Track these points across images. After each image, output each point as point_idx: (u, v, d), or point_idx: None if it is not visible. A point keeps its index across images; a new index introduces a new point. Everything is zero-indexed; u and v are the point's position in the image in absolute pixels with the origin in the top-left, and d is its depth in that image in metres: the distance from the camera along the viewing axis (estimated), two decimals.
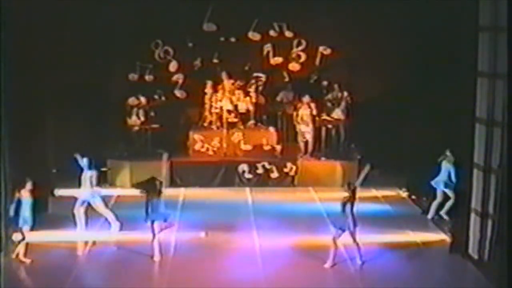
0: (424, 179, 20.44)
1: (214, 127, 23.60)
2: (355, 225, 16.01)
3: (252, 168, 22.84)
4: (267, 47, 24.31)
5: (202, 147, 23.31)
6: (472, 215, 16.35)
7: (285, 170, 22.90)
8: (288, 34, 24.20)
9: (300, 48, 24.32)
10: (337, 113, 23.52)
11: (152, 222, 16.35)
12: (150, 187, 16.51)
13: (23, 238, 16.18)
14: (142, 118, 23.41)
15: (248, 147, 23.36)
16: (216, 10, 23.61)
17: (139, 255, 16.59)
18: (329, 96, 23.81)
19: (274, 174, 22.90)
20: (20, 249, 16.25)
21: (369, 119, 23.07)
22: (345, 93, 23.54)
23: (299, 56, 24.41)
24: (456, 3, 17.09)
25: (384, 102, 23.06)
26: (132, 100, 23.41)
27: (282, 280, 15.52)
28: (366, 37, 22.95)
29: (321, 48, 24.22)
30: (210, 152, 23.29)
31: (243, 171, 22.82)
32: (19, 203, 16.13)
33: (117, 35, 23.10)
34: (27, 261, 16.20)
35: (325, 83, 24.05)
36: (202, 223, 18.68)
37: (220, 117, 23.57)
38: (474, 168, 16.32)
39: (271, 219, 19.09)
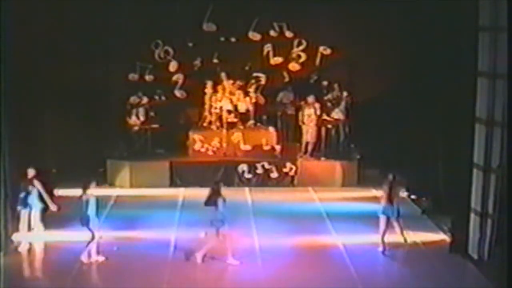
0: (424, 179, 20.48)
1: (214, 127, 23.58)
2: (398, 213, 16.81)
3: (252, 168, 22.84)
4: (267, 47, 24.30)
5: (202, 147, 23.29)
6: (472, 215, 16.35)
7: (285, 170, 22.90)
8: (288, 34, 24.20)
9: (300, 48, 24.31)
10: (337, 113, 23.51)
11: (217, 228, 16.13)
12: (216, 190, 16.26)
13: (93, 238, 16.17)
14: (142, 118, 23.40)
15: (248, 147, 23.36)
16: (216, 10, 23.62)
17: (139, 255, 16.57)
18: (329, 96, 23.80)
19: (274, 174, 22.90)
20: (91, 248, 16.24)
21: (369, 119, 23.07)
22: (345, 93, 23.54)
23: (299, 56, 24.40)
24: (456, 3, 17.10)
25: (384, 102, 23.06)
26: (133, 99, 23.41)
27: (282, 280, 15.51)
28: (366, 37, 22.98)
29: (321, 48, 24.21)
30: (210, 152, 23.28)
31: (243, 171, 22.82)
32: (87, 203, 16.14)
33: (117, 35, 23.10)
34: (101, 259, 16.23)
35: (325, 83, 24.04)
36: (202, 223, 18.66)
37: (220, 117, 23.55)
38: (474, 168, 16.32)
39: (271, 219, 19.08)
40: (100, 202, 20.34)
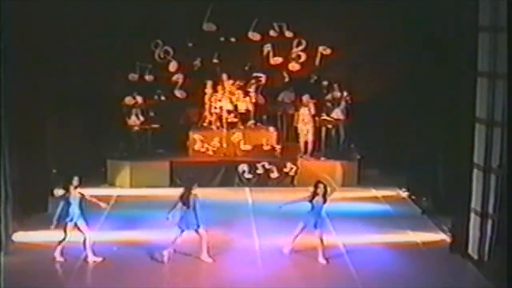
0: (424, 179, 20.48)
1: (214, 127, 23.59)
2: None
3: (252, 168, 22.84)
4: (267, 47, 24.30)
5: (202, 147, 23.31)
6: (472, 215, 16.35)
7: (285, 170, 22.90)
8: (288, 34, 24.20)
9: (300, 48, 24.31)
10: (337, 113, 23.52)
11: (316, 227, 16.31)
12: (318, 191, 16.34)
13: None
14: (142, 118, 23.41)
15: (248, 147, 23.36)
16: (216, 10, 23.61)
17: (139, 255, 16.57)
18: (329, 96, 23.81)
19: (274, 174, 22.90)
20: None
21: (369, 119, 23.08)
22: (345, 93, 23.55)
23: (299, 56, 24.40)
24: (456, 3, 17.09)
25: (384, 102, 23.07)
26: (128, 100, 23.40)
27: (282, 280, 15.52)
28: (366, 37, 22.97)
29: (321, 48, 24.22)
30: (210, 152, 23.29)
31: (243, 171, 22.82)
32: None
33: (117, 35, 23.10)
34: (61, 259, 16.23)
35: (325, 83, 24.04)
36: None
37: (220, 117, 23.57)
38: (474, 168, 16.32)
39: (271, 219, 19.06)
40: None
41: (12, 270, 15.60)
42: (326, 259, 16.19)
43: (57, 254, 16.26)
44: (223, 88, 23.69)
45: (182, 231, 16.16)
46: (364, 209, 20.30)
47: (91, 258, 16.18)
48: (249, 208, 20.54)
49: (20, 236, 17.58)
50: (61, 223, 16.18)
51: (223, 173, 22.81)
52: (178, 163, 22.90)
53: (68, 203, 16.11)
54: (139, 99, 23.43)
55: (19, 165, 17.93)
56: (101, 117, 23.39)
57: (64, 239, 16.21)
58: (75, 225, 16.18)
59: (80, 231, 16.23)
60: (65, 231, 16.16)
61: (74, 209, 16.13)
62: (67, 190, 16.26)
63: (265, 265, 16.10)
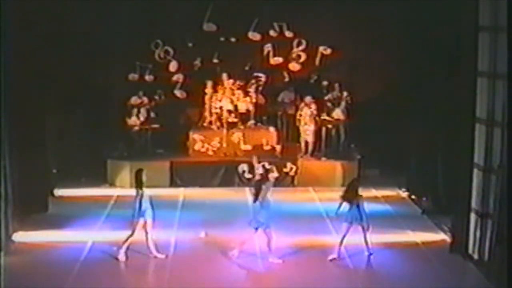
0: (424, 179, 20.48)
1: (214, 127, 23.59)
2: None
3: (252, 168, 22.82)
4: (267, 47, 24.31)
5: (202, 147, 23.30)
6: (472, 215, 16.35)
7: (285, 170, 22.89)
8: (288, 34, 24.20)
9: (300, 48, 24.32)
10: (337, 113, 23.52)
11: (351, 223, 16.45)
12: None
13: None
14: (142, 118, 23.40)
15: (248, 147, 23.35)
16: (216, 10, 23.62)
17: (139, 254, 16.55)
18: (329, 96, 23.81)
19: (274, 174, 22.87)
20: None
21: (369, 119, 23.09)
22: (345, 93, 23.54)
23: (299, 56, 24.40)
24: (456, 3, 17.10)
25: (384, 102, 23.08)
26: (134, 100, 23.40)
27: (282, 280, 15.52)
28: (366, 37, 22.99)
29: (321, 48, 24.22)
30: (210, 152, 23.28)
31: (243, 171, 22.80)
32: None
33: (117, 35, 23.10)
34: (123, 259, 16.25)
35: (325, 83, 24.05)
36: (202, 223, 18.69)
37: (220, 117, 23.57)
38: (474, 168, 16.32)
39: (271, 219, 19.04)
40: (100, 202, 20.59)
41: (12, 270, 15.60)
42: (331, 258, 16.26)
43: (121, 254, 16.23)
44: (223, 88, 23.69)
45: (256, 229, 16.25)
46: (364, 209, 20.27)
47: (155, 254, 16.26)
48: (249, 208, 20.49)
49: (20, 236, 17.57)
50: (133, 219, 16.14)
51: (223, 173, 22.81)
52: (178, 163, 22.90)
53: (141, 200, 16.05)
54: (145, 98, 23.42)
55: (19, 165, 17.92)
56: (101, 117, 23.40)
57: (131, 236, 16.20)
58: (145, 222, 16.12)
59: (144, 228, 16.15)
60: (133, 228, 16.14)
61: (147, 206, 16.06)
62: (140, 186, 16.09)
63: (265, 265, 16.08)
